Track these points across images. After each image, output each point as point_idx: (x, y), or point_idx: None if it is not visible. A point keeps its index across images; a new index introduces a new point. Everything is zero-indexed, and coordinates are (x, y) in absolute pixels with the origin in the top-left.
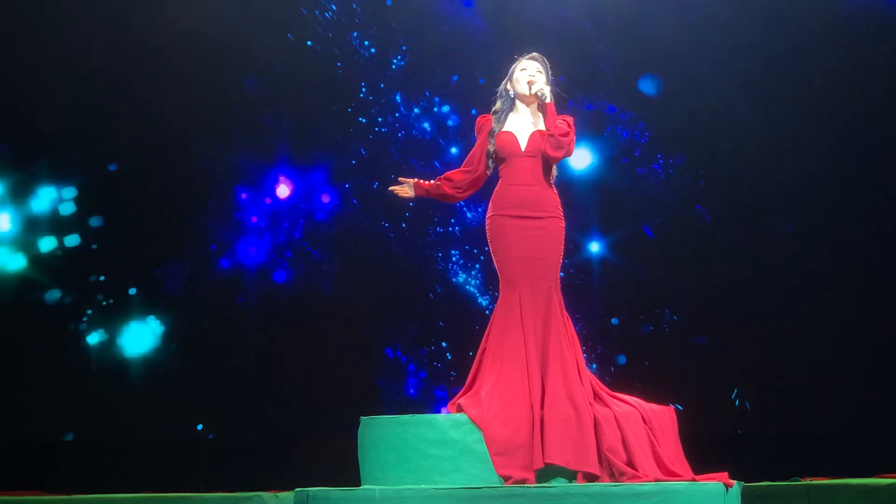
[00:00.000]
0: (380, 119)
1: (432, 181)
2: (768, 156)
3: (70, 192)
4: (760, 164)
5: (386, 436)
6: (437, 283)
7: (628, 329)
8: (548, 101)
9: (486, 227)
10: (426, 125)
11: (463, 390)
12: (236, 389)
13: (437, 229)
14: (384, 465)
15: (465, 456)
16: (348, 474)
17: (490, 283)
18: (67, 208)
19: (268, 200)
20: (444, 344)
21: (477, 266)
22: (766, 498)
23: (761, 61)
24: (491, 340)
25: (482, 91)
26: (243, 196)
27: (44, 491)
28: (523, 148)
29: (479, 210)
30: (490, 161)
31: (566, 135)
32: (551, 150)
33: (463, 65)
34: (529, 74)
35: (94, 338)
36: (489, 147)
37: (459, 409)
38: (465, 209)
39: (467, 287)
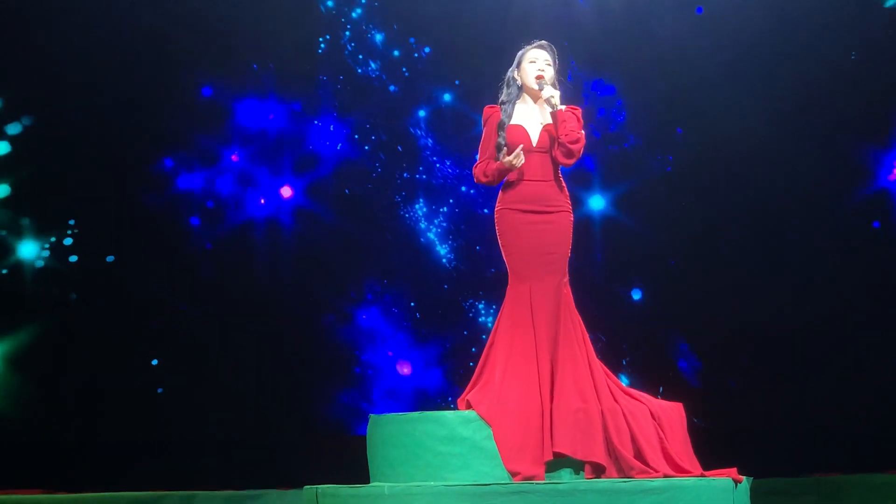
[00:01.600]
0: (342, 77)
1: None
2: (765, 147)
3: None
4: (761, 157)
5: (395, 433)
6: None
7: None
8: (558, 108)
9: (495, 220)
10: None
11: (470, 385)
12: (242, 388)
13: (405, 175)
14: (393, 462)
15: (473, 453)
16: (358, 471)
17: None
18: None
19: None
20: (412, 304)
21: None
22: (776, 493)
23: (765, 55)
24: (500, 334)
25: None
26: (195, 181)
27: (48, 489)
28: (535, 143)
29: (447, 163)
30: (501, 154)
31: (576, 142)
32: (562, 157)
33: None
34: (538, 69)
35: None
36: (499, 140)
37: (469, 406)
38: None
39: (429, 234)
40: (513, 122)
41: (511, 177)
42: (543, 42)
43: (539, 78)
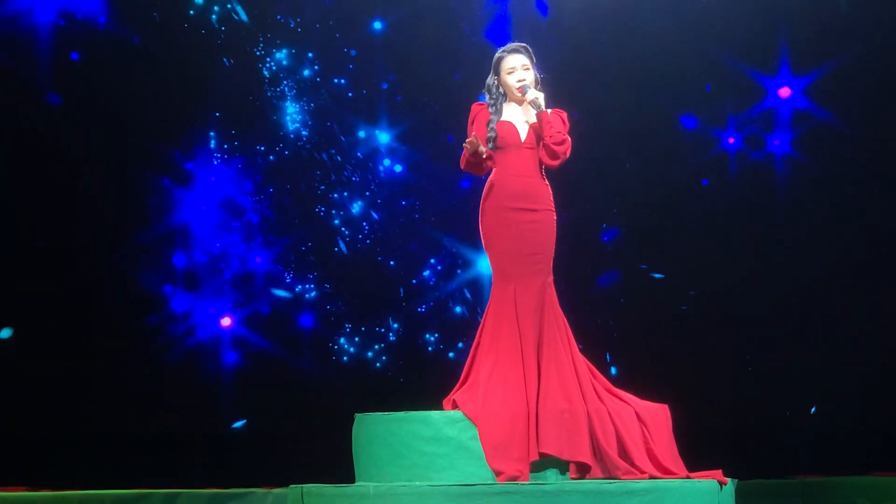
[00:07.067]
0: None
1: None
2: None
3: None
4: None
5: (380, 433)
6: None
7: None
8: (542, 109)
9: (480, 217)
10: None
11: (457, 385)
12: (231, 386)
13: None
14: (378, 461)
15: (459, 453)
16: (343, 471)
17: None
18: None
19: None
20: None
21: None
22: (761, 495)
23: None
24: (485, 335)
25: None
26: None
27: (34, 487)
28: (523, 139)
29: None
30: (490, 146)
31: (562, 143)
32: (548, 159)
33: None
34: (518, 80)
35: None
36: (490, 133)
37: (455, 406)
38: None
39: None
40: (503, 118)
41: (499, 172)
42: (518, 45)
43: (521, 90)
